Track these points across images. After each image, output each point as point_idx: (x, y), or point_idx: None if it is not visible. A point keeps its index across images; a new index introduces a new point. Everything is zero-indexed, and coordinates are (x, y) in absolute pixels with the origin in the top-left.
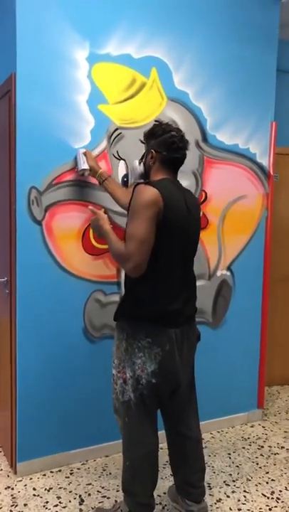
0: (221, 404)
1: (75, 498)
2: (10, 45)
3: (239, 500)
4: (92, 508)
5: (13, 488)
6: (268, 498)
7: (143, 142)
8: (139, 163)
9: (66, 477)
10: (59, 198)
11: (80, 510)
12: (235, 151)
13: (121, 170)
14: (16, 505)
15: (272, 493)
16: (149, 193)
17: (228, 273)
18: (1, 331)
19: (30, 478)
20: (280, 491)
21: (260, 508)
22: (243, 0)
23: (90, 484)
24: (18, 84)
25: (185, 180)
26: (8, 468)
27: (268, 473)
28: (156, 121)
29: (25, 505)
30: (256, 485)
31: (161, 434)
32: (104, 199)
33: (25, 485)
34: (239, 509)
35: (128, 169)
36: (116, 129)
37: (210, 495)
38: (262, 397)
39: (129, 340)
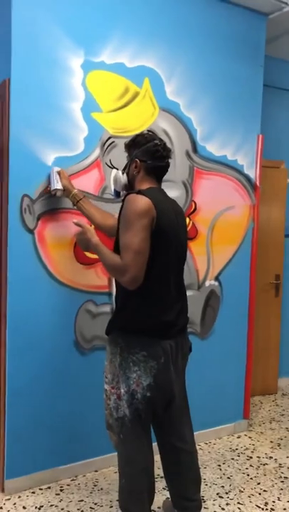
0: (209, 416)
1: None
2: (4, 51)
3: None
4: None
5: (1, 508)
6: (262, 509)
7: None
8: (122, 173)
9: (56, 494)
10: (52, 206)
11: None
12: (224, 163)
13: None
14: None
15: (266, 504)
16: (142, 202)
17: (216, 283)
18: None
19: (19, 497)
20: (273, 502)
21: None
22: (231, 16)
23: (82, 501)
24: (12, 90)
25: (176, 191)
26: None
27: (259, 484)
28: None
29: None
30: (249, 496)
31: (154, 446)
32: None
33: (15, 503)
34: None
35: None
36: (109, 138)
37: (205, 508)
38: (248, 407)
39: (123, 354)
